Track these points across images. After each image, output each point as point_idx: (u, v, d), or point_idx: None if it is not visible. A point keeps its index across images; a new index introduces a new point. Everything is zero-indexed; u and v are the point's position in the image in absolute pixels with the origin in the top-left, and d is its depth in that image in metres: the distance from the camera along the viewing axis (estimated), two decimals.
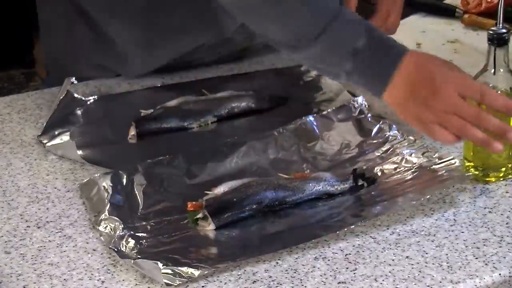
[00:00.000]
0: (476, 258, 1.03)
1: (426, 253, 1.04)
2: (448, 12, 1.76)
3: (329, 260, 1.04)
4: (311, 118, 1.29)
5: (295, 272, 1.02)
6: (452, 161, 1.18)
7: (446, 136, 1.11)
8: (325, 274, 1.01)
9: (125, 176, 1.17)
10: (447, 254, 1.04)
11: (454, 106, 1.10)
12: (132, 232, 1.08)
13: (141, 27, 1.50)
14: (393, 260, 1.03)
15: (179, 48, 1.52)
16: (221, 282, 1.00)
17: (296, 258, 1.04)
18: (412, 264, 1.02)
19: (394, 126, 1.28)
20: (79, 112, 1.38)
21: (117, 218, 1.10)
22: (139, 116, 1.36)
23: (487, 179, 1.17)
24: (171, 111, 1.35)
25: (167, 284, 0.99)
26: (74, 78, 1.35)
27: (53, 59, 1.58)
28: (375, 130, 1.28)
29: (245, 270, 1.02)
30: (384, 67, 1.15)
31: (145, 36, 1.50)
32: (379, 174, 1.19)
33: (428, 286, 0.99)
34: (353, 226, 1.08)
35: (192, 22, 1.51)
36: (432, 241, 1.06)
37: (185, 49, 1.53)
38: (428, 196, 1.13)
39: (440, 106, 1.10)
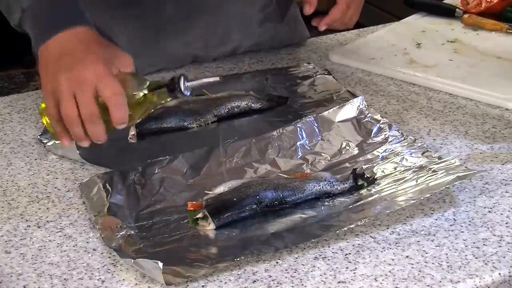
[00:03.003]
0: (476, 258, 1.03)
1: (426, 253, 1.04)
2: (448, 12, 1.76)
3: (329, 259, 1.04)
4: (311, 118, 1.29)
5: (295, 272, 1.02)
6: (452, 161, 1.18)
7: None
8: (325, 274, 1.01)
9: (125, 176, 1.18)
10: (446, 254, 1.04)
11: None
12: (132, 232, 1.08)
13: (140, 28, 1.50)
14: (393, 259, 1.03)
15: (178, 49, 1.52)
16: (221, 282, 1.00)
17: (296, 258, 1.04)
18: (412, 264, 1.02)
19: (394, 126, 1.28)
20: None
21: (117, 218, 1.10)
22: None
23: None
24: (171, 111, 1.35)
25: (167, 284, 0.99)
26: None
27: None
28: (375, 130, 1.28)
29: (245, 270, 1.02)
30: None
31: (144, 37, 1.50)
32: (379, 174, 1.19)
33: (428, 285, 0.99)
34: (353, 226, 1.07)
35: (191, 22, 1.51)
36: (432, 241, 1.06)
37: (185, 50, 1.53)
38: (428, 196, 1.13)
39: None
